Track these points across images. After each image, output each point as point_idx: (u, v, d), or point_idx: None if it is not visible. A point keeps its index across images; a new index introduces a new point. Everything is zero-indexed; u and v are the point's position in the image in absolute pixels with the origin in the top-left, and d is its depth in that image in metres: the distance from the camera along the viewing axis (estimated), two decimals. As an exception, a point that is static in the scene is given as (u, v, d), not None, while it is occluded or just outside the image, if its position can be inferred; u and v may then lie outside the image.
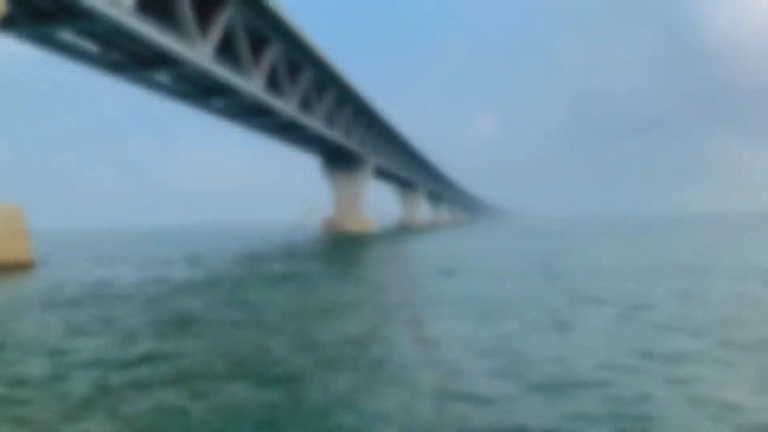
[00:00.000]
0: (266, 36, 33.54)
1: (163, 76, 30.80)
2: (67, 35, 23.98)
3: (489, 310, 8.75)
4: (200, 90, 33.16)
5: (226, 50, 29.77)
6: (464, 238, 42.80)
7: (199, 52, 26.15)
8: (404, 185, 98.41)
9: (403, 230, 78.82)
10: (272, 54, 34.28)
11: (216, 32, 27.52)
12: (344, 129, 51.74)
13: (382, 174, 76.24)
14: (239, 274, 15.30)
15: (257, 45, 33.17)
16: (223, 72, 28.81)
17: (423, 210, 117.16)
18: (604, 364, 5.67)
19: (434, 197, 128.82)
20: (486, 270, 15.03)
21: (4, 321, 7.52)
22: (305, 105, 41.59)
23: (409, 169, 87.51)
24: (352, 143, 54.89)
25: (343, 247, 31.74)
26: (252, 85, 31.94)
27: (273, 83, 35.77)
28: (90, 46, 25.61)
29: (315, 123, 43.39)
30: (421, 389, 4.93)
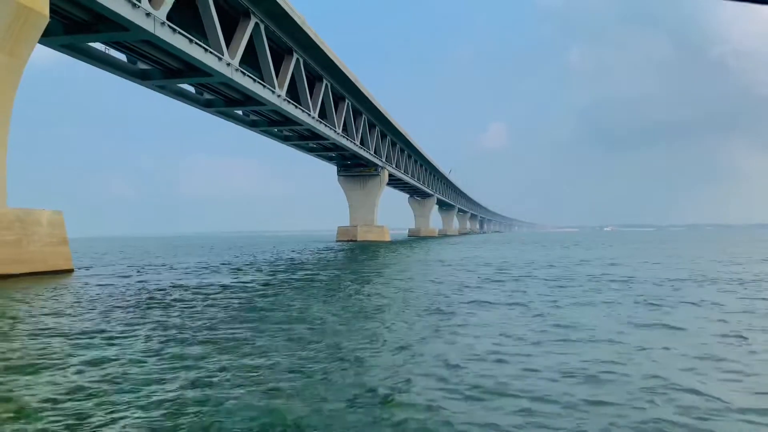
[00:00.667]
0: (287, 47, 34.06)
1: (187, 86, 31.39)
2: (97, 45, 24.54)
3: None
4: (224, 100, 33.69)
5: (249, 61, 30.25)
6: (487, 247, 42.83)
7: (224, 63, 26.61)
8: (416, 194, 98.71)
9: (416, 239, 78.94)
10: (292, 65, 34.75)
11: (241, 44, 28.00)
12: (360, 138, 52.15)
13: (396, 183, 76.52)
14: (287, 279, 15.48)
15: (277, 55, 33.70)
16: (247, 82, 29.25)
17: (433, 219, 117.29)
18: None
19: (445, 206, 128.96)
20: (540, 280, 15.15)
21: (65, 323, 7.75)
22: (323, 114, 42.02)
23: (422, 178, 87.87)
24: (367, 152, 55.28)
25: (370, 255, 31.90)
26: (273, 95, 32.37)
27: (292, 93, 36.23)
28: (118, 55, 26.18)
29: (331, 132, 43.81)
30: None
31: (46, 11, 15.85)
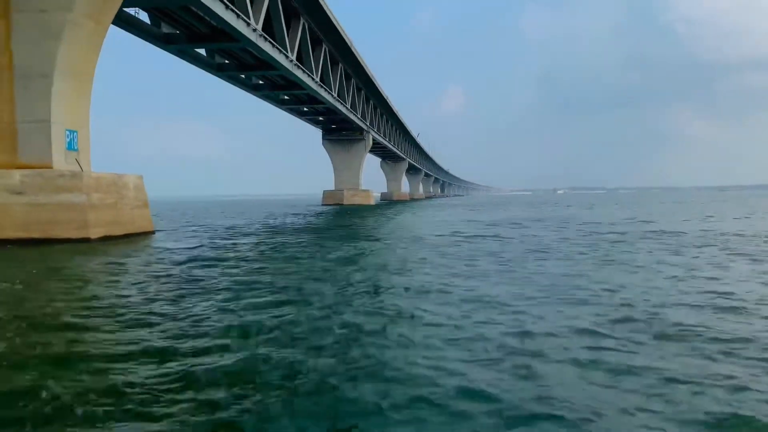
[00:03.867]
0: (294, 10, 34.29)
1: (203, 51, 31.43)
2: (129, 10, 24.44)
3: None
4: (237, 64, 33.87)
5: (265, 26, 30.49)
6: (460, 210, 44.81)
7: (251, 29, 26.91)
8: (389, 158, 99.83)
9: (391, 203, 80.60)
10: (300, 29, 35.05)
11: (263, 8, 28.23)
12: (350, 102, 52.75)
13: (375, 147, 77.41)
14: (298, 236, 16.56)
15: (287, 20, 33.91)
16: (267, 47, 29.58)
17: (403, 184, 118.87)
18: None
19: (412, 170, 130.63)
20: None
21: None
22: (322, 79, 42.47)
23: (397, 142, 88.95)
24: (356, 116, 55.95)
25: (366, 216, 33.12)
26: (287, 60, 32.76)
27: (298, 58, 36.58)
28: (144, 18, 26.09)
29: (329, 96, 44.36)
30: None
31: (128, -22, 16.15)
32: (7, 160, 14.95)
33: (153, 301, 6.61)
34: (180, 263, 10.43)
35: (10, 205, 13.85)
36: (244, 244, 15.06)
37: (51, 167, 14.84)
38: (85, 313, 5.96)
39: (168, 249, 13.49)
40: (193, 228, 21.60)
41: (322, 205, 60.67)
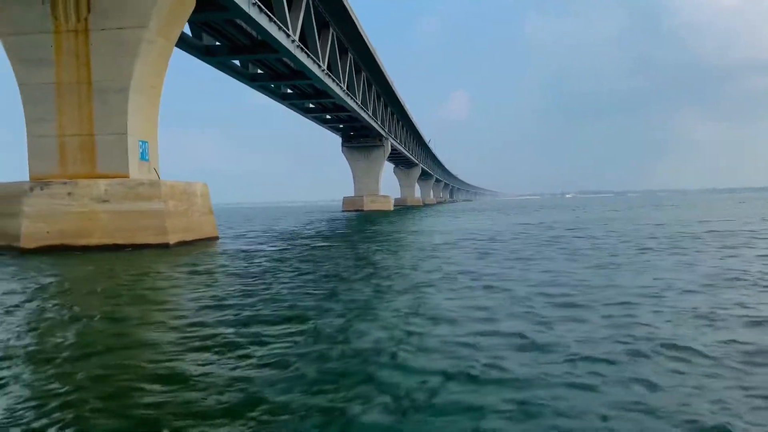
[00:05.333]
0: (324, 20, 35.14)
1: (237, 61, 32.28)
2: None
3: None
4: (271, 74, 34.70)
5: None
6: (494, 214, 45.38)
7: (290, 40, 27.72)
8: (403, 163, 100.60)
9: (405, 208, 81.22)
10: (329, 38, 35.90)
11: (299, 19, 29.06)
12: (371, 109, 53.56)
13: (392, 153, 78.21)
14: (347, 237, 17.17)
15: (319, 31, 34.76)
16: (302, 57, 30.38)
17: (416, 189, 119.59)
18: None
19: (424, 176, 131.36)
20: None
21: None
22: (348, 87, 43.29)
23: (411, 148, 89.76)
24: (377, 123, 56.76)
25: (388, 221, 33.83)
26: (319, 70, 33.57)
27: (328, 68, 37.40)
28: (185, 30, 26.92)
29: (354, 104, 45.17)
30: None
31: (194, -5, 16.97)
32: (87, 170, 15.73)
33: (250, 296, 7.26)
34: (258, 264, 11.19)
35: (96, 212, 14.59)
36: (302, 246, 15.78)
37: (128, 177, 15.61)
38: (195, 306, 6.63)
39: (242, 251, 14.23)
40: (250, 234, 22.34)
41: (342, 211, 61.37)
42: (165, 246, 14.81)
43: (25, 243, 14.03)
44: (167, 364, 4.30)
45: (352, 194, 64.56)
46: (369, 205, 61.43)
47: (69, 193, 14.52)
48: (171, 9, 16.12)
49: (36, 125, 15.98)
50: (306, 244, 16.60)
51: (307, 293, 7.41)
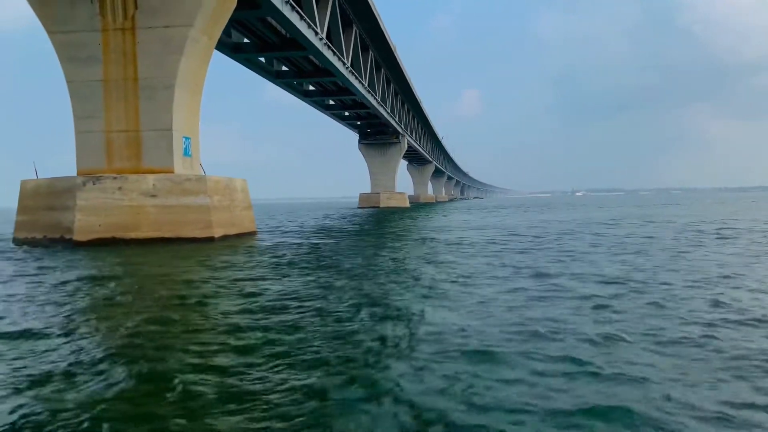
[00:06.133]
0: (348, 18, 35.42)
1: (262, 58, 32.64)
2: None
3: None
4: (296, 71, 35.06)
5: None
6: (512, 212, 45.48)
7: (318, 38, 28.02)
8: (416, 161, 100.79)
9: (419, 205, 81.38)
10: (353, 36, 36.18)
11: (326, 17, 29.36)
12: (390, 106, 53.79)
13: (408, 151, 78.41)
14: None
15: (343, 29, 35.05)
16: (329, 55, 30.69)
17: (428, 186, 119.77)
18: None
19: (436, 173, 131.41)
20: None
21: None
22: (369, 84, 43.57)
23: (425, 145, 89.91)
24: (395, 120, 57.00)
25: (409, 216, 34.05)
26: (344, 67, 33.87)
27: (351, 64, 37.70)
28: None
29: (374, 101, 45.45)
30: None
31: (236, -6, 17.30)
32: (133, 165, 16.13)
33: (299, 288, 7.57)
34: (300, 255, 11.72)
35: (145, 206, 14.98)
36: (336, 240, 16.13)
37: (172, 172, 15.98)
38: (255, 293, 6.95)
39: (283, 244, 14.63)
40: (284, 229, 22.72)
41: (359, 208, 61.69)
42: (210, 240, 15.18)
43: (78, 236, 14.44)
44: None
45: (368, 191, 64.86)
46: (386, 202, 61.73)
47: (119, 188, 14.91)
48: (215, 8, 16.46)
49: (83, 121, 16.40)
50: (343, 239, 16.92)
51: (380, 288, 7.70)
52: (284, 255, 12.10)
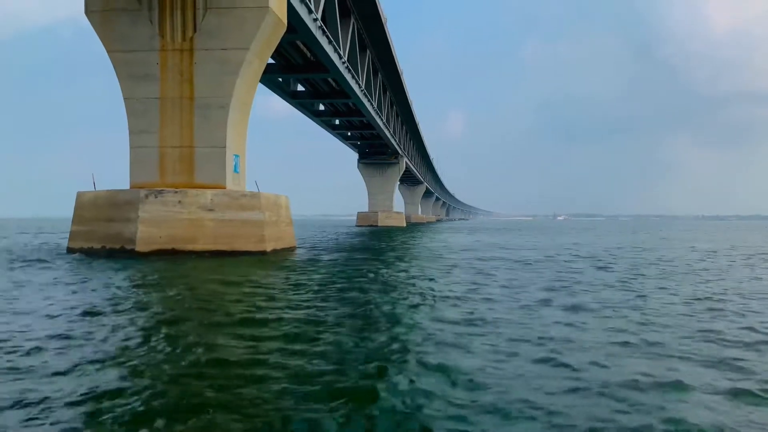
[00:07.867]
0: (363, 44, 36.53)
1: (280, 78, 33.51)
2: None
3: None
4: (312, 92, 35.95)
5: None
6: (481, 232, 46.61)
7: (341, 61, 29.00)
8: (408, 181, 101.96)
9: (413, 225, 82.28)
10: (367, 60, 37.28)
11: (347, 41, 30.39)
12: (392, 127, 54.95)
13: (405, 173, 79.54)
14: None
15: (359, 53, 36.13)
16: (348, 77, 31.67)
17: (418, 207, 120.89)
18: None
19: (426, 194, 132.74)
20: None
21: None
22: (378, 106, 44.67)
23: (418, 165, 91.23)
24: (395, 140, 58.15)
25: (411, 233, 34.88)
26: (359, 90, 34.88)
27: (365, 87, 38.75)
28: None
29: (381, 123, 46.53)
30: None
31: (286, 20, 18.18)
32: (186, 180, 16.75)
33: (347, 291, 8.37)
34: (340, 268, 12.67)
35: (202, 220, 15.57)
36: (366, 256, 16.88)
37: (224, 188, 16.63)
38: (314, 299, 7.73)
39: (325, 260, 15.37)
40: (313, 244, 23.38)
41: (357, 226, 62.37)
42: (262, 253, 15.81)
43: (140, 246, 14.96)
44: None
45: (363, 209, 65.70)
46: (384, 221, 62.57)
47: (179, 201, 15.51)
48: (270, 33, 17.32)
49: (138, 137, 17.01)
50: (376, 255, 17.66)
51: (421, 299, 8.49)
52: (337, 269, 12.88)
